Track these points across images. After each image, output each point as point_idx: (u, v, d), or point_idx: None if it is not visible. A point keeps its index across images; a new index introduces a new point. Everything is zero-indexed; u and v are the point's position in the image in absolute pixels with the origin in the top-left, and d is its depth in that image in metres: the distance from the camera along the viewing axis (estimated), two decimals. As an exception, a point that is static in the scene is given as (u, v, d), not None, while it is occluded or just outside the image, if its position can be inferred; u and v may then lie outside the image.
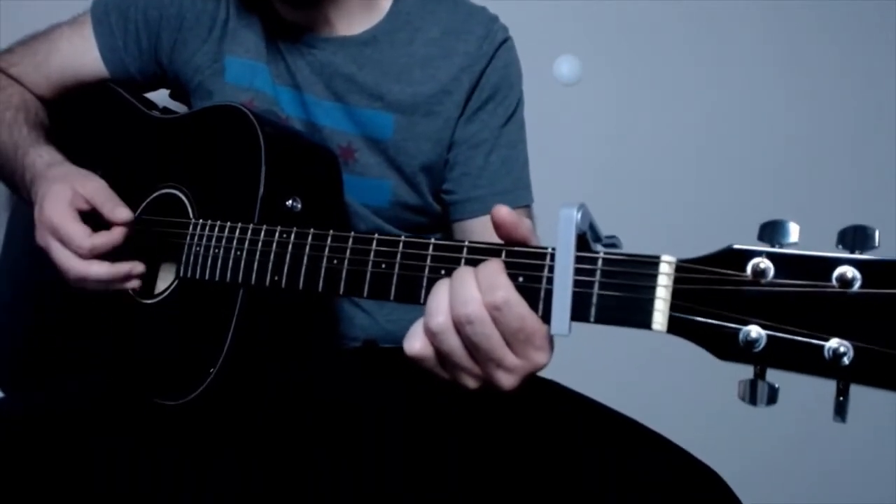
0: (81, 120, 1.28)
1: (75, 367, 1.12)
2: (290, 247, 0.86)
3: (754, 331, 0.56)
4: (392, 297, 0.76)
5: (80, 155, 1.22)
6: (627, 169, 1.83)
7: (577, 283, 0.64)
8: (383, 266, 0.76)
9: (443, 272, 0.72)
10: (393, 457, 0.98)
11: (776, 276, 0.56)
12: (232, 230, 0.94)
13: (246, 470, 0.99)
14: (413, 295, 0.74)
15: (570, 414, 0.95)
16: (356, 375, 1.14)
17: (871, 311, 0.53)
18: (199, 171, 1.06)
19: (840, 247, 0.55)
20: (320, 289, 0.82)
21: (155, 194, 1.09)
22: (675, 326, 0.60)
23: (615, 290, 0.63)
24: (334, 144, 1.14)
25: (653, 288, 0.61)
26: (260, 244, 0.90)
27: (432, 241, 0.74)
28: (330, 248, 0.82)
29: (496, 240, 0.71)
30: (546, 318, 0.66)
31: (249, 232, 0.92)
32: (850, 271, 0.53)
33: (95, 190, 1.02)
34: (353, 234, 0.80)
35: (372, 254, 0.78)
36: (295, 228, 0.87)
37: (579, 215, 0.63)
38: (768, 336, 0.56)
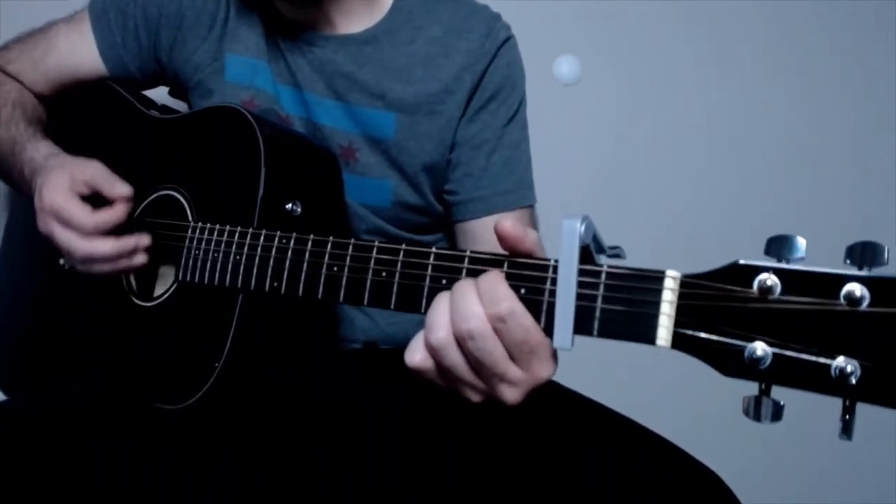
0: (79, 119, 1.28)
1: (75, 370, 1.11)
2: (289, 253, 0.86)
3: (760, 348, 0.56)
4: (392, 306, 0.75)
5: (77, 154, 1.22)
6: (627, 169, 1.83)
7: (580, 297, 0.63)
8: (384, 274, 0.76)
9: (444, 282, 0.71)
10: (393, 458, 0.98)
11: (783, 293, 0.55)
12: (231, 234, 0.93)
13: (246, 471, 0.99)
14: (414, 304, 0.74)
15: (570, 414, 0.95)
16: (356, 377, 1.14)
17: (879, 330, 0.52)
18: (198, 173, 1.05)
19: (848, 262, 0.54)
20: (320, 296, 0.82)
21: (153, 196, 1.08)
22: (679, 342, 0.60)
23: (619, 305, 0.62)
24: (335, 144, 1.14)
25: (657, 303, 0.60)
26: (259, 249, 0.89)
27: (433, 250, 0.73)
28: (330, 255, 0.81)
29: (498, 241, 0.70)
30: (548, 331, 0.65)
31: (249, 237, 0.91)
32: (858, 289, 0.53)
33: (93, 172, 1.01)
34: (353, 241, 0.80)
35: (372, 262, 0.77)
36: (294, 234, 0.86)
37: (583, 227, 0.63)
38: (774, 354, 0.55)
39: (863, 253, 0.53)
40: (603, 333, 0.63)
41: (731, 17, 1.81)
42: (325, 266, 0.81)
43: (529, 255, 0.69)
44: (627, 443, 0.89)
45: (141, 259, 1.01)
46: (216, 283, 0.94)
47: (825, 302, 0.54)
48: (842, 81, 1.83)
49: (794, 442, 1.83)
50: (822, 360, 0.54)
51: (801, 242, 0.56)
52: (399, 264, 0.75)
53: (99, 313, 1.09)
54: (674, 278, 0.60)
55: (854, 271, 0.53)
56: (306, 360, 1.07)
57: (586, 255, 0.64)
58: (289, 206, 0.96)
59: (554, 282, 0.64)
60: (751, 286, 0.56)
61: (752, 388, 0.58)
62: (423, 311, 0.71)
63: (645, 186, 1.83)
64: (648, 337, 0.60)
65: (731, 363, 0.57)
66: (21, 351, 1.25)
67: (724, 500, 0.85)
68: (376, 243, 0.77)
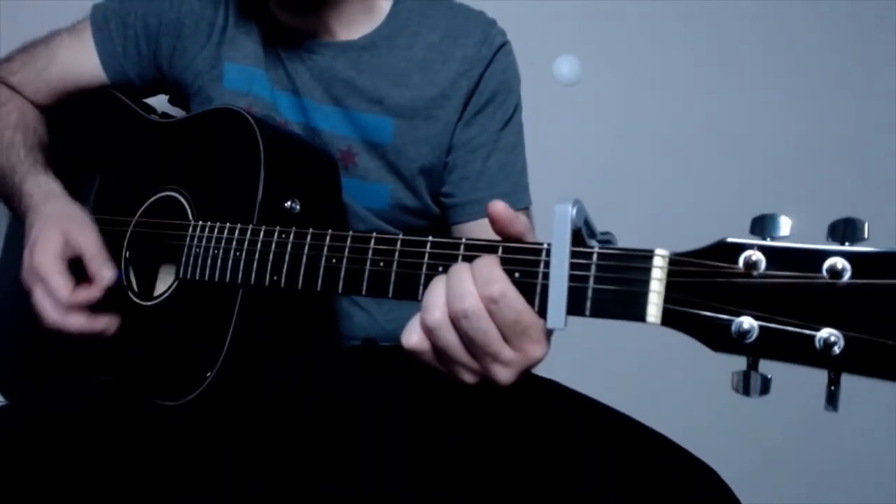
0: (81, 125, 1.29)
1: (75, 369, 1.12)
2: (288, 246, 0.87)
3: (746, 322, 0.57)
4: (390, 295, 0.76)
5: (80, 160, 1.23)
6: (627, 169, 1.84)
7: (572, 278, 0.65)
8: (381, 264, 0.77)
9: (440, 269, 0.73)
10: (392, 455, 0.98)
11: (768, 268, 0.57)
12: (231, 231, 0.94)
13: (246, 469, 0.99)
14: (411, 292, 0.75)
15: (570, 414, 0.95)
16: (355, 374, 1.15)
17: (861, 302, 0.53)
18: (198, 174, 1.06)
19: (830, 239, 0.56)
20: (319, 288, 0.83)
21: (154, 197, 1.09)
22: (668, 319, 0.61)
23: (610, 284, 0.63)
24: (334, 149, 1.15)
25: (647, 281, 0.62)
26: (259, 244, 0.90)
27: (430, 238, 0.75)
28: (328, 247, 0.82)
29: (490, 224, 0.71)
30: (542, 312, 0.66)
31: (248, 233, 0.92)
32: (840, 262, 0.54)
33: (86, 243, 1.02)
34: (351, 232, 0.81)
35: (370, 252, 0.78)
36: (294, 228, 0.87)
37: (574, 210, 0.64)
38: (760, 327, 0.57)
39: (844, 229, 0.55)
40: (595, 313, 0.64)
41: (731, 17, 1.82)
42: (323, 258, 0.82)
43: (519, 238, 0.70)
44: (627, 441, 0.89)
45: (113, 329, 1.03)
46: (216, 279, 0.95)
47: (808, 275, 0.55)
48: (841, 81, 1.84)
49: (794, 442, 1.83)
50: (806, 331, 0.55)
51: (785, 221, 0.58)
52: (396, 254, 0.76)
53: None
54: (663, 256, 0.62)
55: (836, 246, 0.55)
56: (306, 357, 1.08)
57: (578, 238, 0.66)
58: (288, 203, 0.97)
59: (547, 265, 0.66)
60: (737, 262, 0.58)
61: (741, 365, 0.60)
62: (420, 298, 0.72)
63: (644, 186, 1.83)
64: (639, 314, 0.62)
65: (720, 337, 0.58)
66: (21, 351, 1.25)
67: (724, 499, 0.85)
68: (374, 234, 0.79)
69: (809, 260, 0.55)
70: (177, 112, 1.30)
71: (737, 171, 1.84)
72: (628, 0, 1.80)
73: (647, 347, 1.66)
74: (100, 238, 1.04)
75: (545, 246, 0.67)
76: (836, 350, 0.54)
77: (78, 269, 1.02)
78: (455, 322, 0.68)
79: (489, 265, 0.68)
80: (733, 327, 0.57)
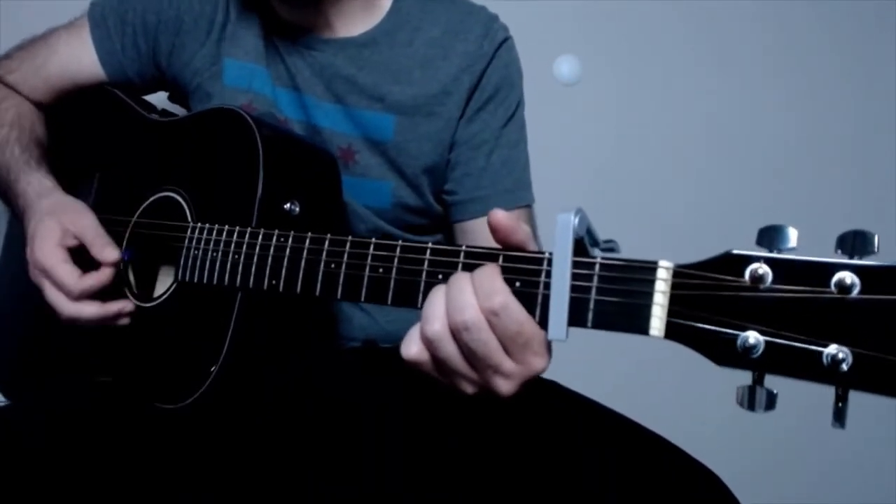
0: (80, 123, 1.28)
1: (75, 370, 1.12)
2: (287, 251, 0.86)
3: (752, 337, 0.56)
4: (389, 302, 0.76)
5: (78, 158, 1.23)
6: (627, 169, 1.83)
7: (574, 289, 0.64)
8: (381, 270, 0.76)
9: (440, 276, 0.72)
10: (392, 457, 0.98)
11: (774, 281, 0.56)
12: (230, 234, 0.94)
13: (245, 469, 1.00)
14: (410, 299, 0.74)
15: (570, 414, 0.95)
16: (355, 375, 1.14)
17: (870, 317, 0.52)
18: (197, 175, 1.06)
19: (839, 252, 0.55)
20: (318, 293, 0.82)
21: (153, 197, 1.09)
22: (672, 332, 0.60)
23: (613, 296, 0.63)
24: (334, 146, 1.14)
25: (650, 294, 0.61)
26: (258, 248, 0.90)
27: (429, 245, 0.74)
28: (327, 252, 0.82)
29: (491, 232, 0.71)
30: (543, 323, 0.66)
31: (247, 236, 0.91)
32: (849, 277, 0.53)
33: (85, 227, 1.03)
34: (350, 238, 0.80)
35: (369, 258, 0.77)
36: (293, 232, 0.87)
37: (576, 220, 0.63)
38: (766, 342, 0.56)
39: (853, 241, 0.54)
40: (597, 325, 0.63)
41: (731, 17, 1.82)
42: (322, 263, 0.82)
43: (521, 247, 0.69)
44: (627, 443, 0.89)
45: (124, 321, 1.03)
46: (215, 282, 0.94)
47: (816, 290, 0.54)
48: (841, 81, 1.83)
49: (794, 442, 1.83)
50: (813, 347, 0.54)
51: (793, 232, 0.56)
52: (396, 260, 0.75)
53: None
54: (667, 269, 0.61)
55: (845, 259, 0.54)
56: (306, 359, 1.07)
57: (580, 247, 0.65)
58: (287, 205, 0.96)
59: (549, 274, 0.65)
60: (743, 275, 0.57)
61: (746, 379, 0.59)
62: (419, 305, 0.72)
63: (644, 187, 1.83)
64: (642, 327, 0.61)
65: (725, 352, 0.57)
66: (21, 351, 1.25)
67: (724, 500, 0.84)
68: (373, 239, 0.78)
69: (817, 274, 0.54)
70: (177, 110, 1.29)
71: (737, 171, 1.84)
72: (628, 0, 1.80)
73: (647, 349, 1.64)
74: (98, 222, 1.04)
75: (547, 255, 0.66)
76: (844, 367, 0.53)
77: (81, 261, 1.01)
78: (455, 334, 0.67)
79: (490, 276, 0.67)
80: (739, 342, 0.56)
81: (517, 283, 0.67)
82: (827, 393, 0.56)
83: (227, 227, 0.95)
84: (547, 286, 0.65)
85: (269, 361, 1.00)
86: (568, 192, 1.67)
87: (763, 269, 0.56)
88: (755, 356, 0.56)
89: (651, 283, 0.61)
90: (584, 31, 1.82)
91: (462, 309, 0.66)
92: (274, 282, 0.87)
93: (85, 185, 1.20)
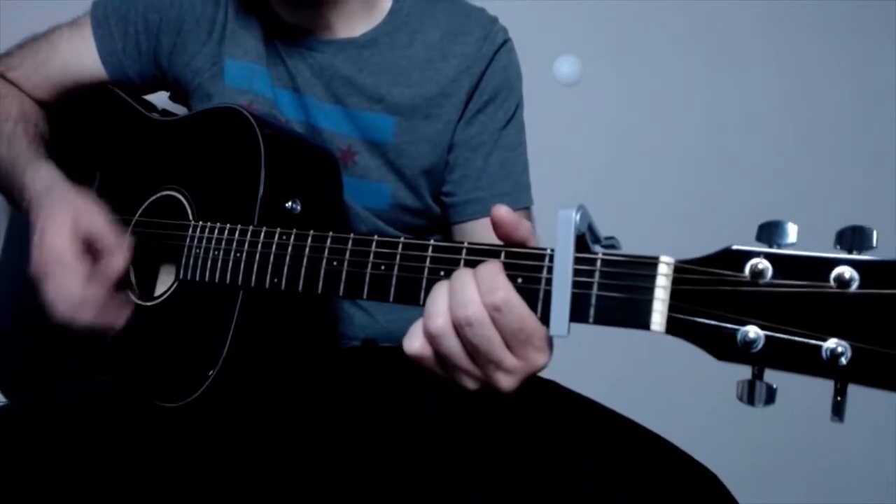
0: (81, 122, 1.28)
1: (76, 369, 1.12)
2: (289, 249, 0.86)
3: (752, 331, 0.56)
4: (391, 299, 0.76)
5: (79, 158, 1.23)
6: (627, 169, 1.84)
7: (575, 285, 0.64)
8: (382, 268, 0.77)
9: (442, 273, 0.72)
10: (392, 456, 0.98)
11: (774, 276, 0.56)
12: (231, 232, 0.94)
13: (245, 469, 1.00)
14: (412, 296, 0.74)
15: (570, 414, 0.95)
16: (356, 374, 1.14)
17: (869, 312, 0.53)
18: (198, 173, 1.06)
19: (838, 247, 0.55)
20: (320, 291, 0.82)
21: (154, 196, 1.09)
22: (673, 327, 0.60)
23: (614, 291, 0.63)
24: (334, 147, 1.14)
25: (651, 289, 0.61)
26: (259, 246, 0.90)
27: (431, 242, 0.74)
28: (329, 249, 0.82)
29: (496, 241, 0.71)
30: (545, 319, 0.66)
31: (249, 234, 0.92)
32: (847, 272, 0.54)
33: (96, 227, 1.00)
34: (352, 235, 0.80)
35: (371, 255, 0.78)
36: (294, 230, 0.87)
37: (578, 216, 0.64)
38: (766, 337, 0.56)
39: (852, 237, 0.54)
40: (599, 320, 0.64)
41: (731, 17, 1.82)
42: (324, 261, 0.82)
43: (523, 244, 0.70)
44: (627, 443, 0.89)
45: (114, 332, 1.01)
46: (216, 280, 0.94)
47: (816, 284, 0.55)
48: (841, 79, 1.84)
49: (794, 442, 1.83)
50: (813, 341, 0.54)
51: (792, 228, 0.57)
52: (398, 257, 0.76)
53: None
54: (668, 264, 0.61)
55: (843, 255, 0.54)
56: (306, 358, 1.07)
57: (582, 244, 0.65)
58: (288, 204, 0.97)
59: (550, 270, 0.65)
60: (743, 270, 0.57)
61: (745, 374, 0.59)
62: (421, 303, 0.72)
63: (644, 186, 1.83)
64: (643, 322, 0.61)
65: (725, 347, 0.58)
66: (21, 351, 1.25)
67: (722, 500, 0.85)
68: (375, 237, 0.78)
69: (817, 268, 0.55)
70: (178, 109, 1.29)
71: (737, 169, 1.84)
72: (628, 0, 1.80)
73: (647, 349, 1.66)
74: (107, 216, 1.02)
75: (548, 251, 0.67)
76: (843, 360, 0.53)
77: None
78: (458, 329, 0.67)
79: (492, 272, 0.67)
80: (739, 336, 0.57)
81: (519, 280, 0.67)
82: (826, 394, 0.56)
83: (228, 225, 0.95)
84: (549, 282, 0.65)
85: (271, 359, 1.00)
86: (568, 192, 1.66)
87: (763, 264, 0.57)
88: (755, 351, 0.56)
89: (652, 278, 0.61)
90: (584, 31, 1.82)
91: (465, 305, 0.66)
92: (276, 280, 0.87)
93: (86, 184, 1.19)
